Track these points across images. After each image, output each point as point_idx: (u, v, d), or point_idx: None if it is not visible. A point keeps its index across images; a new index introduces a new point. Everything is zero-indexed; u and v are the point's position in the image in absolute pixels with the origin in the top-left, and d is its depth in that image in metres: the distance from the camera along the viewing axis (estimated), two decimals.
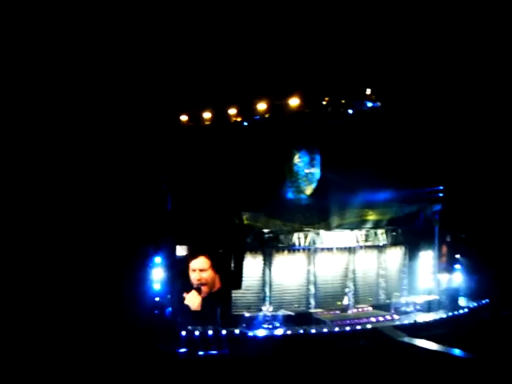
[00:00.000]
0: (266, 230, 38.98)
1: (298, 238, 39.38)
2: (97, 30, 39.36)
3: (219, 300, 36.45)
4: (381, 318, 38.22)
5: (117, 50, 39.86)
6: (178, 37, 41.48)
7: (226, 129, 39.88)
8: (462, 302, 42.90)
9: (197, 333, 33.43)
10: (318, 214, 41.23)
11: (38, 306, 34.26)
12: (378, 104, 42.83)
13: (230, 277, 36.43)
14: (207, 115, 39.49)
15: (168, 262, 35.69)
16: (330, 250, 40.56)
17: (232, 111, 39.76)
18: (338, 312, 39.29)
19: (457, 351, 32.44)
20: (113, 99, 39.36)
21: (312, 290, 39.56)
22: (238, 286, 36.56)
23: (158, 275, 35.26)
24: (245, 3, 43.42)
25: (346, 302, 40.25)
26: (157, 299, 34.85)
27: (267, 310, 37.38)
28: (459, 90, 43.95)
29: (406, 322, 37.99)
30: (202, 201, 36.56)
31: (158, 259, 35.32)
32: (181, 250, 36.72)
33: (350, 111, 42.17)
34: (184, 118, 39.23)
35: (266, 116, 40.60)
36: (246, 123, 40.38)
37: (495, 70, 44.52)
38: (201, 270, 36.53)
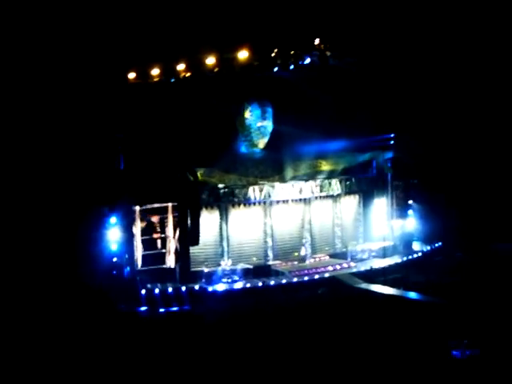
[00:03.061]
0: (221, 185, 38.97)
1: (253, 191, 39.48)
2: None
3: (177, 257, 36.55)
4: (338, 267, 38.88)
5: (61, 5, 38.54)
6: None
7: (176, 85, 39.21)
8: (416, 246, 43.90)
9: (157, 290, 33.51)
10: (272, 166, 41.34)
11: None
12: (328, 54, 42.59)
13: (187, 233, 36.38)
14: (155, 72, 38.71)
15: (124, 221, 35.41)
16: (285, 202, 40.85)
17: (180, 66, 39.04)
18: (295, 263, 39.84)
19: (412, 294, 33.28)
20: (59, 60, 38.21)
21: (269, 242, 39.89)
22: (196, 241, 36.56)
23: (114, 235, 34.97)
24: None
25: (303, 252, 40.74)
26: (114, 259, 34.67)
27: (226, 264, 37.60)
28: (406, 36, 43.97)
29: (362, 268, 38.75)
30: (155, 159, 36.17)
31: (113, 219, 34.98)
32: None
33: (300, 62, 41.84)
34: (132, 75, 38.39)
35: (216, 70, 40.00)
36: (195, 78, 39.73)
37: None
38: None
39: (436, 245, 43.71)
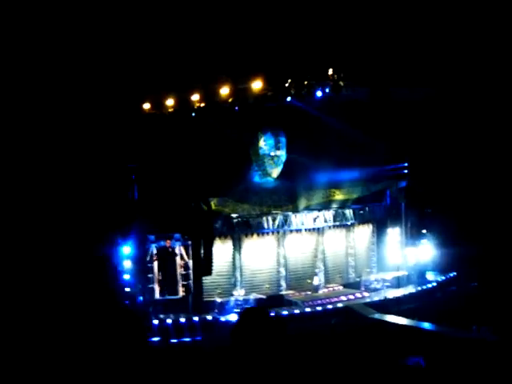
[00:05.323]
0: (234, 215, 39.08)
1: (266, 221, 39.55)
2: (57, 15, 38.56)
3: (190, 287, 36.59)
4: (351, 296, 38.74)
5: (77, 37, 39.15)
6: (138, 23, 40.92)
7: (190, 115, 39.61)
8: (430, 276, 43.62)
9: (169, 321, 33.51)
10: (285, 196, 41.46)
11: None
12: (341, 83, 42.84)
13: (201, 263, 36.46)
14: (170, 102, 39.15)
15: (137, 251, 35.56)
16: (298, 231, 40.86)
17: (195, 97, 39.46)
18: (308, 293, 39.71)
19: (426, 325, 33.03)
20: (74, 90, 38.72)
21: (282, 272, 39.84)
22: (209, 272, 36.63)
23: (127, 265, 35.11)
24: None
25: (316, 282, 40.61)
26: (127, 289, 34.74)
27: (239, 294, 37.58)
28: (422, 69, 44.14)
29: (376, 298, 38.58)
30: (169, 188, 36.40)
31: (126, 249, 35.12)
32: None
33: (313, 92, 42.10)
34: (147, 105, 38.85)
35: (230, 100, 40.36)
36: (209, 108, 40.13)
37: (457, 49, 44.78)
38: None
39: (451, 274, 43.37)
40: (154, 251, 36.84)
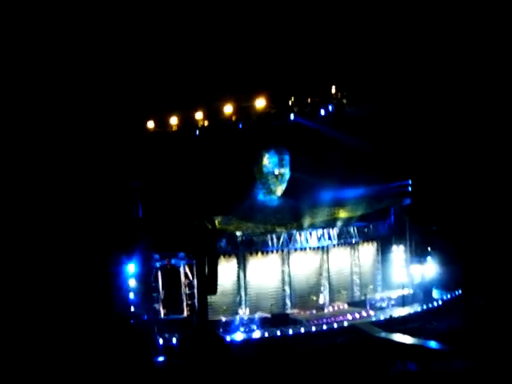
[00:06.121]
0: (238, 233, 38.93)
1: (270, 239, 39.40)
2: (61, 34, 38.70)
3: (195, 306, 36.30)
4: (357, 315, 38.44)
5: (82, 58, 39.28)
6: (143, 43, 41.10)
7: (194, 133, 39.64)
8: (436, 294, 43.32)
9: (174, 340, 33.21)
10: (289, 214, 41.33)
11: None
12: (344, 101, 42.94)
13: (205, 282, 36.13)
14: (174, 120, 39.19)
15: (142, 270, 35.33)
16: (303, 249, 40.64)
17: (198, 115, 39.51)
18: (314, 311, 39.43)
19: (432, 343, 32.79)
20: (78, 108, 38.77)
21: (287, 290, 39.60)
22: (214, 291, 36.18)
23: (132, 284, 34.84)
24: (207, 5, 43.16)
25: (321, 300, 40.35)
26: (132, 309, 34.48)
27: (244, 313, 37.34)
28: (425, 87, 44.29)
29: (381, 317, 38.27)
30: (172, 206, 36.30)
31: (131, 268, 34.88)
32: None
33: (317, 110, 42.15)
34: (151, 124, 38.89)
35: (233, 118, 40.42)
36: (212, 126, 40.17)
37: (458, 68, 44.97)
38: None
39: (456, 292, 43.06)
40: (159, 270, 36.60)
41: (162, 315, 36.30)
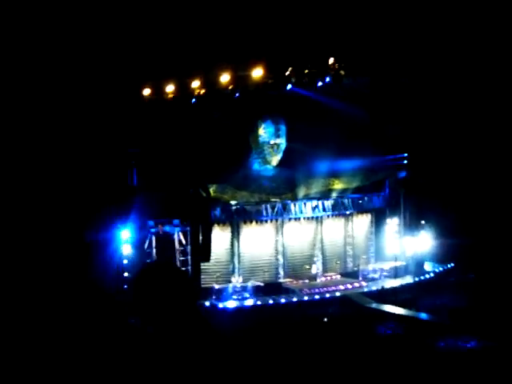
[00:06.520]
0: (233, 202, 39.07)
1: (265, 208, 39.52)
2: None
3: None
4: (349, 286, 38.76)
5: (74, 19, 38.89)
6: (138, 9, 40.69)
7: (190, 101, 39.49)
8: (428, 266, 43.65)
9: None
10: (284, 184, 41.49)
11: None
12: (342, 73, 42.70)
13: (199, 249, 36.40)
14: (170, 88, 38.98)
15: (136, 237, 35.51)
16: (297, 219, 40.83)
17: (195, 83, 39.30)
18: (306, 281, 39.74)
19: (423, 315, 33.08)
20: (73, 74, 38.51)
21: (281, 260, 39.86)
22: (207, 258, 36.58)
23: (126, 251, 35.02)
24: None
25: (314, 270, 40.65)
26: (126, 274, 34.69)
27: (237, 281, 37.62)
28: (423, 57, 43.97)
29: (373, 288, 38.59)
30: (168, 174, 36.33)
31: (125, 234, 35.03)
32: None
33: (315, 81, 41.92)
34: (147, 91, 38.69)
35: (230, 87, 40.22)
36: (209, 95, 39.99)
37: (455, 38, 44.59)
38: None
39: (449, 265, 43.39)
40: (153, 237, 36.72)
41: None
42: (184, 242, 36.90)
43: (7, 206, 35.04)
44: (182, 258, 36.76)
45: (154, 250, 36.81)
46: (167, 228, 36.85)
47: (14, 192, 35.45)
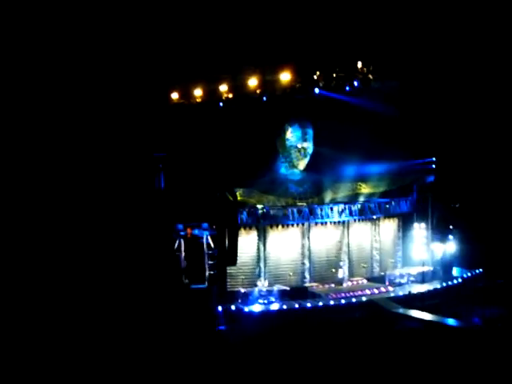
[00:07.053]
0: (259, 206, 39.11)
1: (291, 212, 39.49)
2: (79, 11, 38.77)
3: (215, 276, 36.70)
4: (375, 291, 38.56)
5: (103, 32, 39.35)
6: (169, 15, 41.03)
7: (218, 105, 39.72)
8: (456, 271, 43.25)
9: None
10: (311, 188, 41.49)
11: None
12: (370, 77, 42.58)
13: (225, 253, 36.54)
14: (198, 92, 39.27)
15: (164, 240, 35.71)
16: (323, 224, 40.69)
17: (223, 87, 39.54)
18: (332, 285, 39.64)
19: (450, 321, 32.81)
20: (104, 80, 38.97)
21: (307, 264, 39.81)
22: (233, 262, 36.71)
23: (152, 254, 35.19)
24: None
25: (340, 275, 40.54)
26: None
27: (262, 285, 37.69)
28: (453, 63, 43.66)
29: (400, 293, 38.34)
30: (195, 178, 36.56)
31: (152, 238, 35.21)
32: None
33: (343, 85, 41.88)
34: (175, 95, 39.03)
35: (258, 91, 40.38)
36: (237, 99, 40.19)
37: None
38: None
39: (477, 271, 42.95)
40: (182, 240, 36.90)
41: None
42: (213, 245, 37.02)
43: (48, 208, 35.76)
44: (210, 262, 36.87)
45: (183, 254, 37.00)
46: (196, 231, 37.01)
47: (49, 196, 36.10)
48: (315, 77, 41.63)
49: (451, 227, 43.70)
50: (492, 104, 45.39)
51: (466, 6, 42.61)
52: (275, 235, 39.58)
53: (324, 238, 40.81)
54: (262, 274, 38.62)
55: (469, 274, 42.52)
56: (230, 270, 37.26)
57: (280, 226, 39.57)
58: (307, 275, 39.66)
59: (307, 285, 39.11)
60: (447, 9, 43.02)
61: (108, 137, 36.96)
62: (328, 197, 41.14)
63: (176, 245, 36.92)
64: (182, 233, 37.06)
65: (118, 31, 39.16)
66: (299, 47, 41.48)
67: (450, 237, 43.38)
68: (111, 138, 36.92)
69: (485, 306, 35.30)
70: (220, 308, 33.97)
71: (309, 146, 41.55)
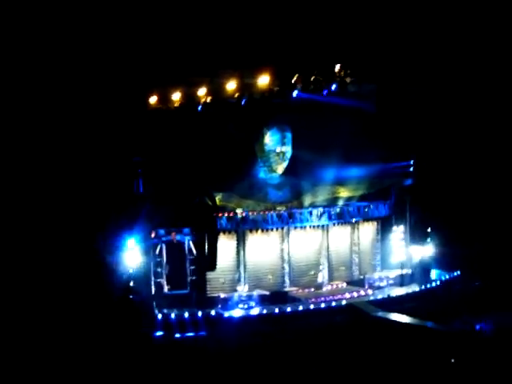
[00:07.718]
0: (239, 210, 38.99)
1: (271, 217, 39.43)
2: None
3: (194, 282, 36.56)
4: (355, 294, 38.67)
5: (83, 31, 38.99)
6: (145, 18, 40.77)
7: (196, 109, 39.50)
8: (434, 274, 43.50)
9: (173, 315, 33.50)
10: (290, 192, 41.44)
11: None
12: (348, 80, 42.69)
13: (205, 258, 36.42)
14: (176, 96, 39.02)
15: (142, 245, 35.49)
16: (303, 228, 40.69)
17: (201, 91, 39.34)
18: (312, 289, 39.67)
19: (430, 323, 32.97)
20: (80, 84, 38.60)
21: (286, 268, 39.78)
22: (213, 267, 36.59)
23: (132, 260, 34.97)
24: None
25: (320, 279, 40.58)
26: (131, 284, 34.68)
27: (242, 290, 37.55)
28: (428, 64, 43.93)
29: (379, 296, 38.50)
30: (173, 183, 36.39)
31: (131, 243, 34.97)
32: None
33: (321, 88, 41.90)
34: (153, 100, 38.75)
35: (236, 95, 40.24)
36: (215, 103, 40.00)
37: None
38: None
39: (455, 273, 43.24)
40: (163, 245, 36.72)
41: (166, 290, 36.54)
42: (194, 250, 36.88)
43: (18, 214, 35.27)
44: (192, 267, 36.74)
45: (165, 259, 36.80)
46: (178, 237, 36.89)
47: (24, 200, 35.63)
48: (293, 80, 41.59)
49: (429, 230, 43.97)
50: (469, 106, 45.76)
51: (442, 7, 42.95)
52: (255, 240, 39.48)
53: (303, 242, 40.81)
54: (242, 279, 38.48)
55: (447, 277, 42.80)
56: (210, 275, 37.12)
57: (259, 231, 39.47)
58: (287, 279, 39.62)
59: (287, 289, 39.08)
60: (424, 11, 43.32)
61: (86, 142, 36.60)
62: (307, 201, 41.18)
63: (157, 249, 36.78)
64: (163, 238, 36.92)
65: (93, 35, 38.83)
66: (277, 50, 41.44)
67: (428, 239, 43.63)
68: (89, 143, 36.57)
69: (463, 308, 35.61)
70: (200, 313, 33.83)
71: (287, 149, 41.47)
